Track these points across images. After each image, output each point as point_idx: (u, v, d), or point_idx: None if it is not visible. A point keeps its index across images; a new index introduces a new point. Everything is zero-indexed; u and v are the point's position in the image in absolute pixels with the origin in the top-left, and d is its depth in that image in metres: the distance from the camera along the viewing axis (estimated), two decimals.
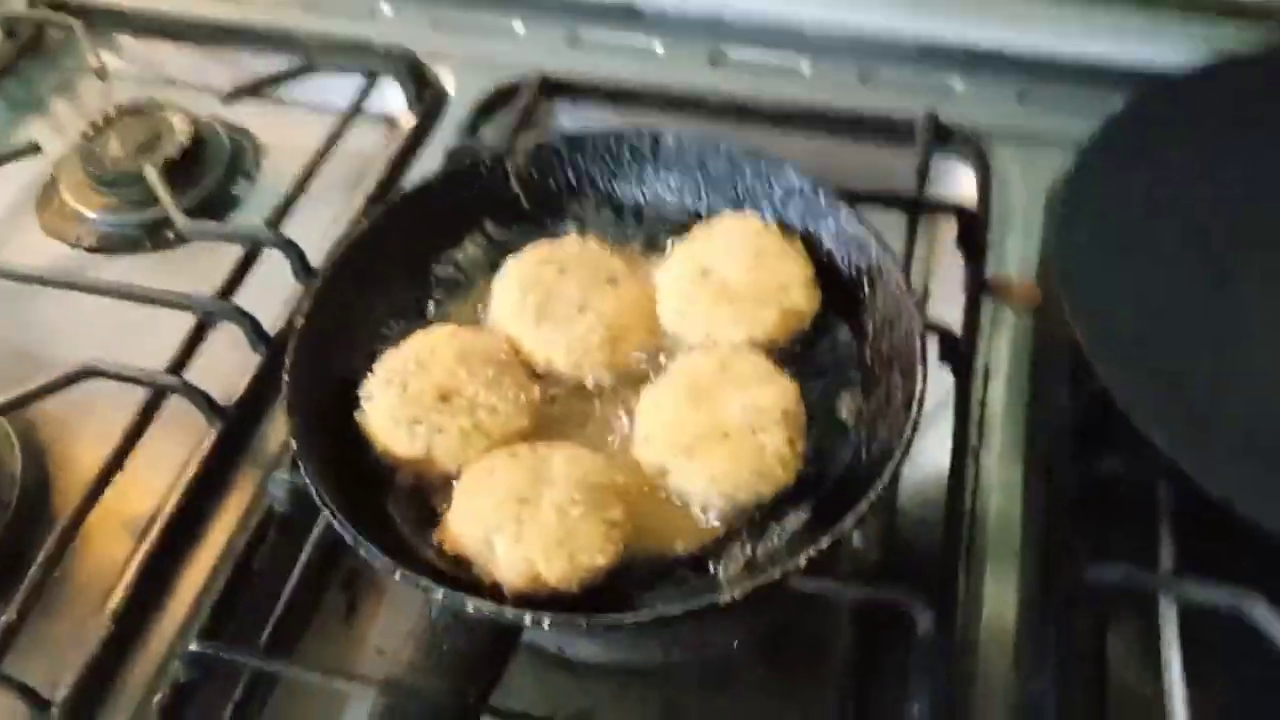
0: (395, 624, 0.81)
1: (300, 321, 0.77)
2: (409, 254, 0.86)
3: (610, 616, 0.65)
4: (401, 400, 0.74)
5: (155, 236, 1.05)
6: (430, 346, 0.77)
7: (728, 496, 0.72)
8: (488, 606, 0.64)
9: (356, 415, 0.76)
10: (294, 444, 0.70)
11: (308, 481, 0.68)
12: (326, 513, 0.67)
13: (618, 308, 0.81)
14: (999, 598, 0.77)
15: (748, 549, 0.73)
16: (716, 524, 0.73)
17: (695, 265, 0.82)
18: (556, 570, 0.66)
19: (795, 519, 0.74)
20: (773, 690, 0.77)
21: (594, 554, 0.68)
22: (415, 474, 0.75)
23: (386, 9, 1.25)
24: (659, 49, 1.20)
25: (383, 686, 0.62)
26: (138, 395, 0.88)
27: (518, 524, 0.68)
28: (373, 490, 0.75)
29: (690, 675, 0.78)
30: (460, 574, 0.70)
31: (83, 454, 0.89)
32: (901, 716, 0.73)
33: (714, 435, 0.72)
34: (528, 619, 0.63)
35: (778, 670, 0.79)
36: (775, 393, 0.75)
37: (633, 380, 0.80)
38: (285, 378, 0.73)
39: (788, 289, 0.81)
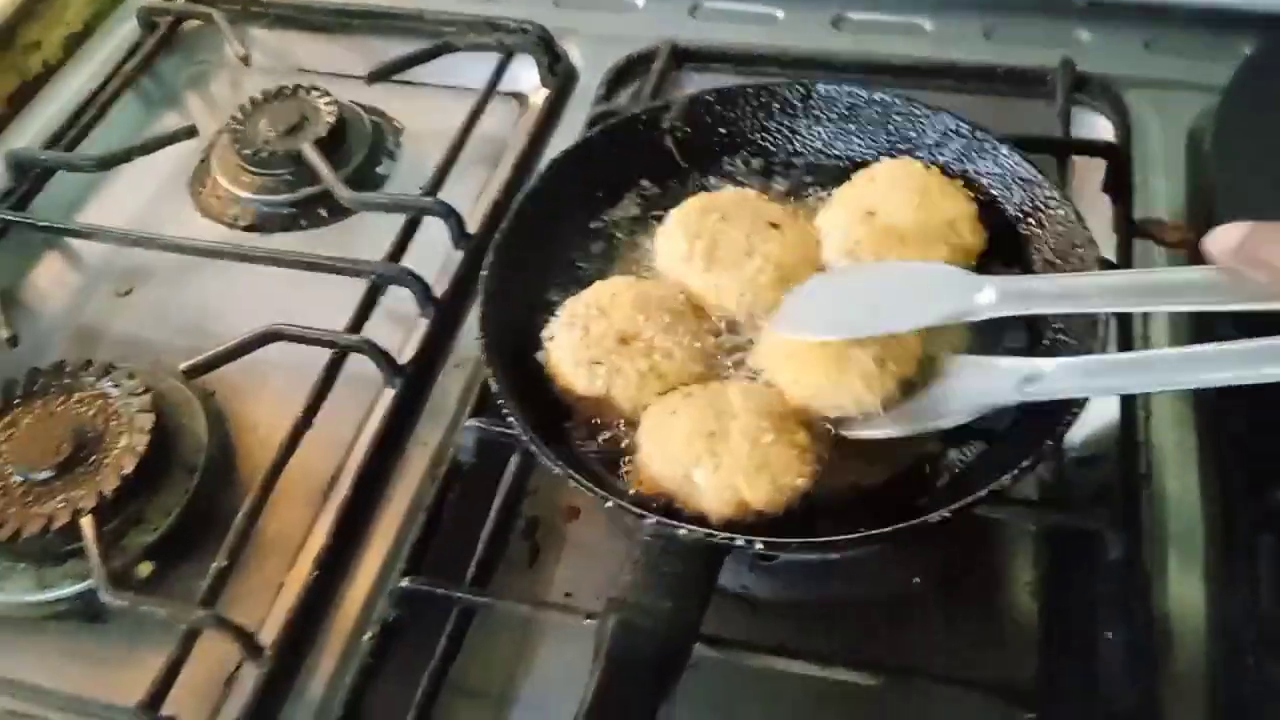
0: (579, 569, 0.83)
1: (486, 272, 0.80)
2: (573, 209, 0.88)
3: (819, 538, 0.66)
4: (583, 342, 0.77)
5: (309, 214, 1.08)
6: (610, 293, 0.80)
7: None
8: (701, 531, 0.65)
9: (539, 355, 0.78)
10: (495, 385, 0.73)
11: (517, 422, 0.71)
12: (535, 449, 0.70)
13: (783, 249, 0.82)
14: (1183, 525, 0.77)
15: (931, 483, 0.74)
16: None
17: (859, 207, 0.84)
18: (762, 494, 0.68)
19: (970, 457, 0.74)
20: (957, 620, 0.78)
21: (793, 476, 0.69)
22: (592, 413, 0.78)
23: None
24: (779, 14, 1.21)
25: (612, 604, 0.63)
26: (308, 361, 0.91)
27: (714, 456, 0.70)
28: (561, 429, 0.77)
29: (873, 612, 0.79)
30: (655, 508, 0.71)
31: (261, 417, 0.93)
32: (1094, 642, 0.74)
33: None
34: (740, 540, 0.65)
35: (959, 606, 0.79)
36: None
37: None
38: (480, 324, 0.76)
39: (955, 226, 0.81)
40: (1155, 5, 1.14)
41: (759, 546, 0.65)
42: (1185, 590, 0.74)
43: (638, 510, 0.66)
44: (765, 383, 0.77)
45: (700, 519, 0.69)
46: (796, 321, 0.77)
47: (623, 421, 0.77)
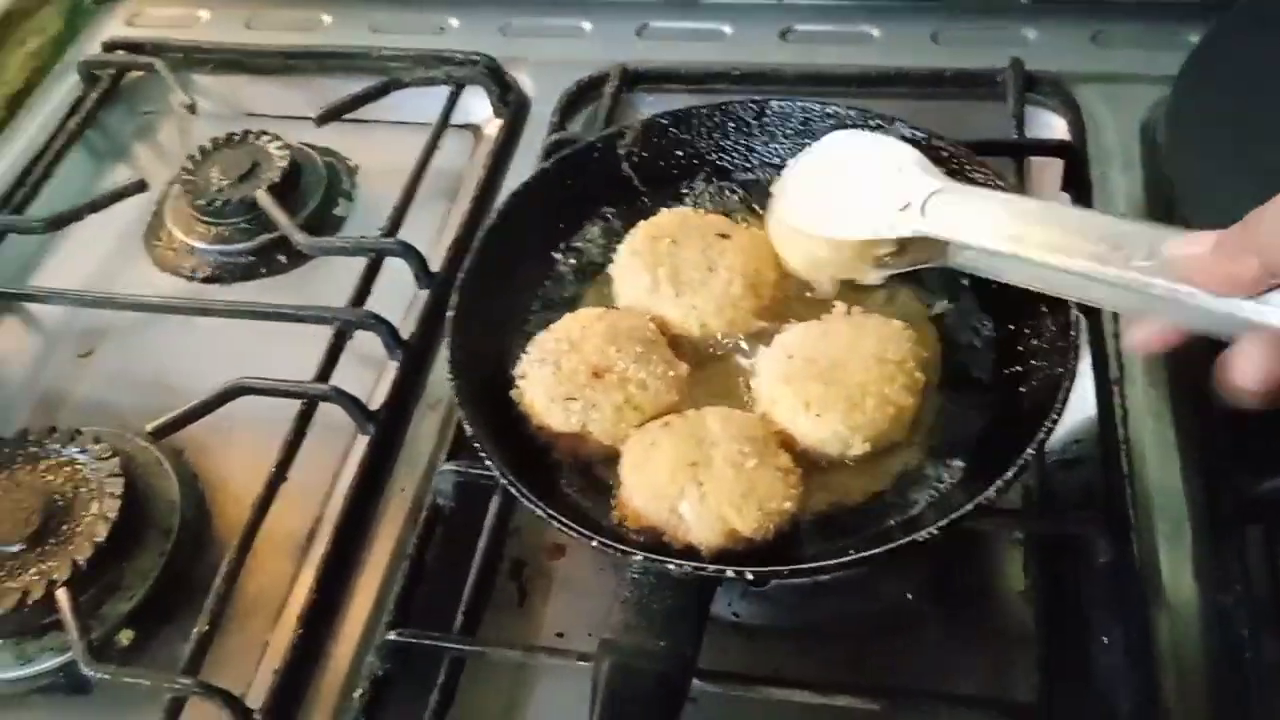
0: (569, 607, 0.82)
1: (453, 313, 0.79)
2: (535, 243, 0.88)
3: (810, 564, 0.66)
4: (555, 378, 0.76)
5: (269, 261, 1.07)
6: (580, 326, 0.79)
7: (860, 434, 0.73)
8: (689, 565, 0.65)
9: (513, 393, 0.77)
10: (469, 428, 0.72)
11: (493, 465, 0.70)
12: (515, 492, 0.69)
13: (742, 257, 0.82)
14: (1169, 522, 0.77)
15: (915, 500, 0.73)
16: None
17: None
18: (750, 521, 0.68)
19: (952, 471, 0.74)
20: (952, 635, 0.78)
21: (780, 500, 0.69)
22: (571, 449, 0.77)
23: (454, 22, 1.27)
24: (727, 30, 1.21)
25: (605, 646, 0.62)
26: (278, 413, 0.89)
27: (699, 486, 0.69)
28: (540, 467, 0.76)
29: (868, 630, 0.79)
30: (641, 542, 0.71)
31: (232, 474, 0.91)
32: (1088, 647, 0.74)
33: (831, 384, 0.73)
34: (730, 572, 0.64)
35: (953, 616, 0.79)
36: (886, 334, 0.76)
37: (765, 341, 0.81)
38: (450, 367, 0.75)
39: None
40: None
41: (750, 577, 0.65)
42: (1177, 587, 0.74)
43: (624, 548, 0.66)
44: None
45: (689, 550, 0.68)
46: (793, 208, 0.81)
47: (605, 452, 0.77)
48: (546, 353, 0.78)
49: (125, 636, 0.82)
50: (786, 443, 0.74)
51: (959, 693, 0.72)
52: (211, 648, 0.78)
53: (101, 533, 0.81)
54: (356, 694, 0.74)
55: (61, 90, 1.28)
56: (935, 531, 0.64)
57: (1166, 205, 0.95)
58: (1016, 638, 0.75)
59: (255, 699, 0.75)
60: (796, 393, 0.74)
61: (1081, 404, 0.83)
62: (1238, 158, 0.89)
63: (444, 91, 1.15)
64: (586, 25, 1.24)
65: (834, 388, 0.73)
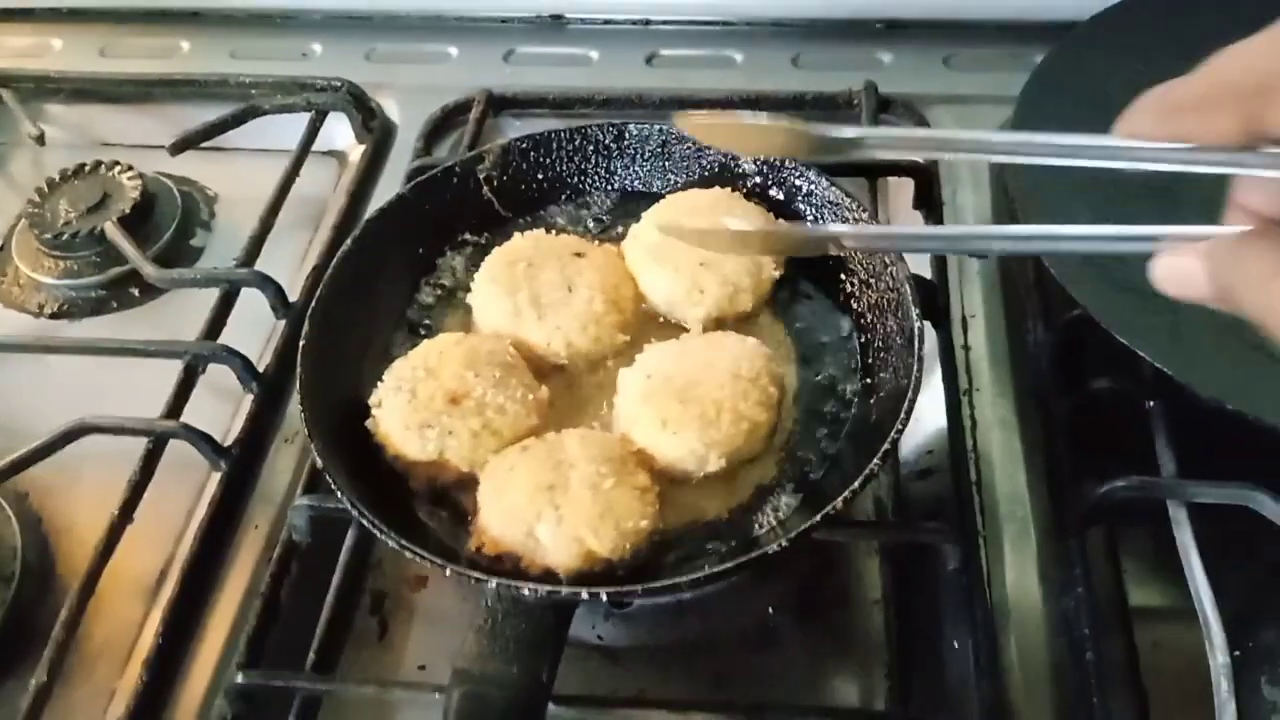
0: (432, 639, 0.80)
1: (305, 342, 0.77)
2: (395, 269, 0.87)
3: (664, 581, 0.66)
4: (412, 406, 0.75)
5: (120, 295, 1.04)
6: (437, 352, 0.78)
7: (715, 450, 0.74)
8: (544, 588, 0.64)
9: (368, 423, 0.76)
10: (319, 460, 0.70)
11: (342, 495, 0.68)
12: (365, 523, 0.67)
13: (600, 273, 0.83)
14: (1016, 528, 0.79)
15: (771, 513, 0.74)
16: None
17: (660, 218, 0.85)
18: (607, 542, 0.67)
19: (807, 484, 0.75)
20: (815, 646, 0.79)
21: (637, 519, 0.69)
22: (429, 477, 0.76)
23: (318, 48, 1.26)
24: (593, 55, 1.22)
25: (457, 675, 0.61)
26: (126, 453, 0.86)
27: (555, 509, 0.69)
28: (398, 497, 0.75)
29: (732, 646, 0.79)
30: (502, 568, 0.70)
31: (78, 517, 0.88)
32: (942, 653, 0.75)
33: (687, 402, 0.74)
34: (584, 594, 0.64)
35: (815, 628, 0.80)
36: (741, 352, 0.77)
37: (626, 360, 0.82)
38: (300, 397, 0.73)
39: None
40: (951, 22, 1.19)
41: (604, 597, 0.64)
42: (1023, 590, 0.76)
43: (477, 575, 0.65)
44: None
45: (548, 574, 0.68)
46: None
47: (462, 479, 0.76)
48: (402, 380, 0.77)
49: None
50: (646, 462, 0.74)
51: (819, 705, 0.72)
52: (54, 699, 0.75)
53: None
54: None
55: None
56: (784, 544, 0.65)
57: (1012, 221, 0.98)
58: (876, 647, 0.76)
59: None
60: (655, 411, 0.74)
61: (934, 415, 0.86)
62: (1074, 175, 0.92)
63: (306, 118, 1.13)
64: (453, 50, 1.24)
65: (690, 405, 0.74)
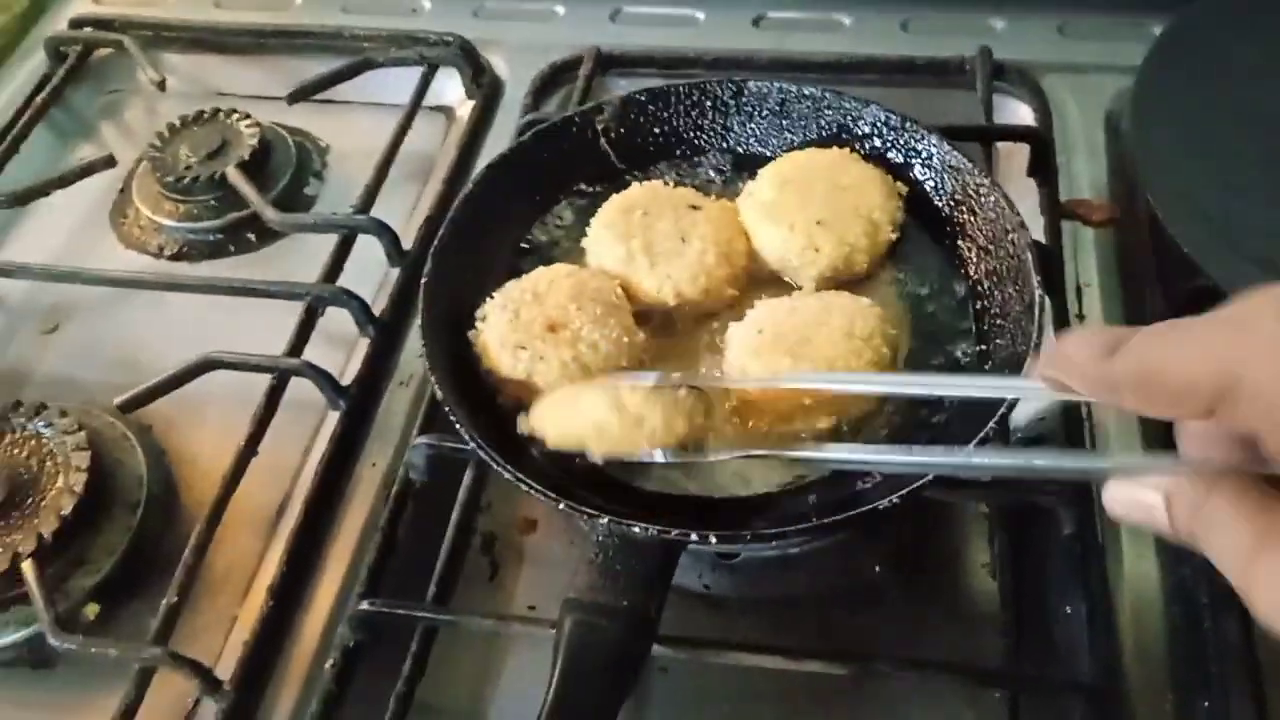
0: (540, 581, 0.82)
1: (426, 280, 0.78)
2: (512, 215, 0.88)
3: (772, 529, 0.67)
4: (512, 326, 0.77)
5: (237, 239, 1.06)
6: (548, 279, 0.79)
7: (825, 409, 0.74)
8: (653, 528, 0.65)
9: (470, 334, 0.78)
10: (438, 391, 0.72)
11: (460, 427, 0.70)
12: (483, 454, 0.69)
13: (714, 227, 0.84)
14: None
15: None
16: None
17: (779, 177, 0.86)
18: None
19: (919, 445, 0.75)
20: (921, 606, 0.79)
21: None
22: (517, 396, 0.77)
23: (426, 3, 1.27)
24: (700, 16, 1.22)
25: (568, 605, 0.63)
26: (247, 390, 0.88)
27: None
28: (514, 438, 0.76)
29: (836, 604, 0.80)
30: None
31: (200, 449, 0.90)
32: (1053, 619, 0.75)
33: (799, 359, 0.74)
34: (694, 535, 0.65)
35: (921, 591, 0.80)
36: (855, 311, 0.77)
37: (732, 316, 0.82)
38: (421, 333, 0.75)
39: (867, 194, 0.84)
40: None
41: (713, 540, 0.65)
42: (1138, 559, 0.75)
43: (589, 510, 0.66)
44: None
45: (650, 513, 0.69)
46: None
47: None
48: (509, 300, 0.79)
49: (91, 611, 0.81)
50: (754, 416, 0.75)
51: (924, 659, 0.72)
52: (180, 621, 0.77)
53: (67, 507, 0.80)
54: (328, 664, 0.74)
55: (28, 68, 1.26)
56: (896, 500, 0.65)
57: (1129, 191, 0.97)
58: (983, 608, 0.77)
59: (225, 670, 0.75)
60: (765, 366, 0.75)
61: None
62: (1200, 145, 0.91)
63: (416, 73, 1.14)
64: (560, 9, 1.24)
65: (801, 362, 0.74)
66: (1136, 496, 0.46)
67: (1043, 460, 0.55)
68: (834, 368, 0.74)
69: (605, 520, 0.66)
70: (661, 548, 0.67)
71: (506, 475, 0.68)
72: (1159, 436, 0.81)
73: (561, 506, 0.67)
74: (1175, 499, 0.44)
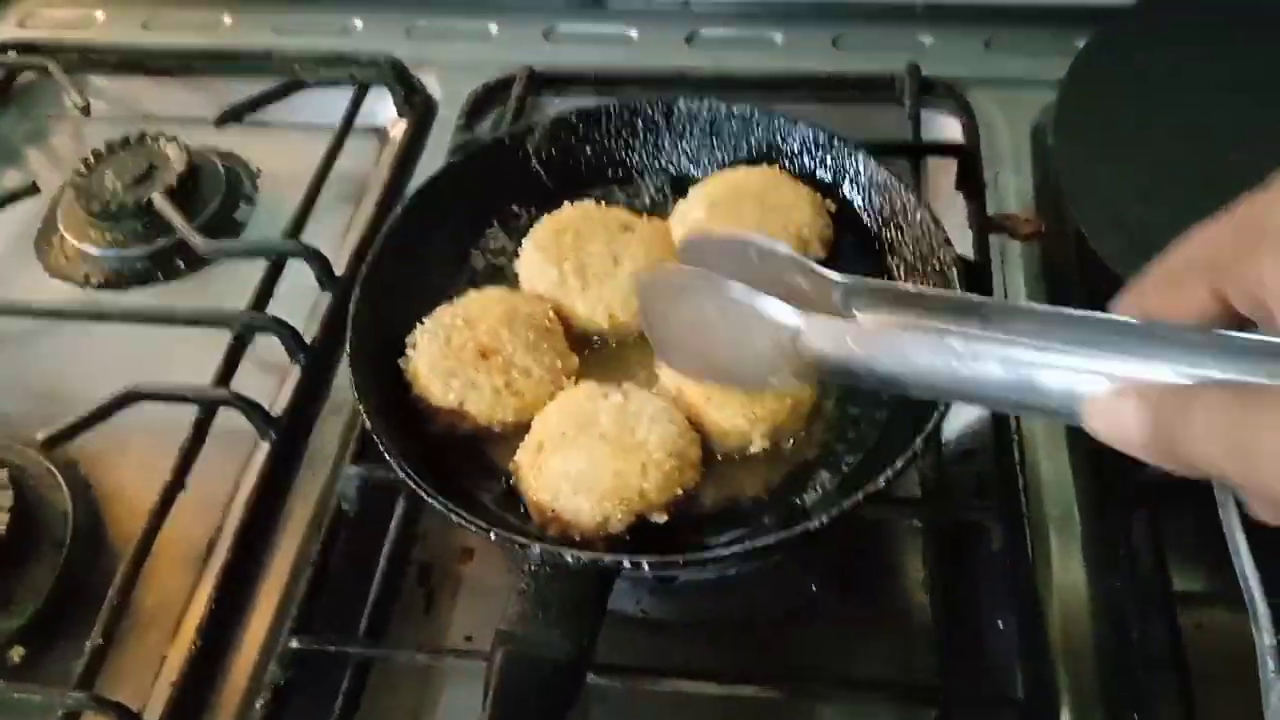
0: (478, 611, 0.82)
1: (355, 308, 0.78)
2: (444, 239, 0.87)
3: (708, 551, 0.66)
4: (443, 352, 0.76)
5: (166, 266, 1.04)
6: (480, 304, 0.79)
7: (760, 427, 0.74)
8: (586, 555, 0.65)
9: (401, 360, 0.77)
10: (369, 422, 0.71)
11: (391, 459, 0.69)
12: (413, 484, 0.68)
13: (645, 249, 0.84)
14: (1060, 510, 0.79)
15: (812, 492, 0.75)
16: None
17: (707, 198, 0.86)
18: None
19: (849, 463, 0.76)
20: (857, 623, 0.79)
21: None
22: (448, 424, 0.77)
23: (358, 23, 1.26)
24: (633, 34, 1.22)
25: (500, 637, 0.62)
26: (172, 424, 0.87)
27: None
28: (445, 467, 0.75)
29: (775, 621, 0.80)
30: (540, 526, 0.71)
31: (128, 484, 0.88)
32: (985, 633, 0.76)
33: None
34: (627, 561, 0.65)
35: (857, 608, 0.81)
36: None
37: None
38: (350, 363, 0.74)
39: (796, 212, 0.84)
40: (992, 6, 1.19)
41: (646, 567, 0.65)
42: (1068, 571, 0.76)
43: (521, 539, 0.66)
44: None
45: (586, 540, 0.69)
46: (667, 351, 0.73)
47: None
48: (440, 325, 0.78)
49: (16, 654, 0.79)
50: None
51: (865, 677, 0.73)
52: (107, 663, 0.76)
53: None
54: (258, 704, 0.73)
55: None
56: (826, 520, 0.65)
57: (1054, 203, 0.98)
58: (918, 625, 0.77)
59: (153, 713, 0.73)
60: (699, 388, 0.74)
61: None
62: (1123, 157, 0.92)
63: (348, 94, 1.13)
64: (493, 28, 1.24)
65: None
66: (1117, 408, 0.45)
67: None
68: None
69: (537, 549, 0.66)
70: (596, 575, 0.67)
71: (436, 505, 0.68)
72: (1084, 444, 0.82)
73: (492, 536, 0.67)
74: (1159, 407, 0.43)
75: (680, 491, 0.71)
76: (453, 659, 0.75)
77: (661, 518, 0.70)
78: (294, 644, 0.73)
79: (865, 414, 0.77)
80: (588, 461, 0.69)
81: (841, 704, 0.73)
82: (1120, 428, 0.45)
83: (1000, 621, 0.74)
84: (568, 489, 0.69)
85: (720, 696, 0.71)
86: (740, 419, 0.73)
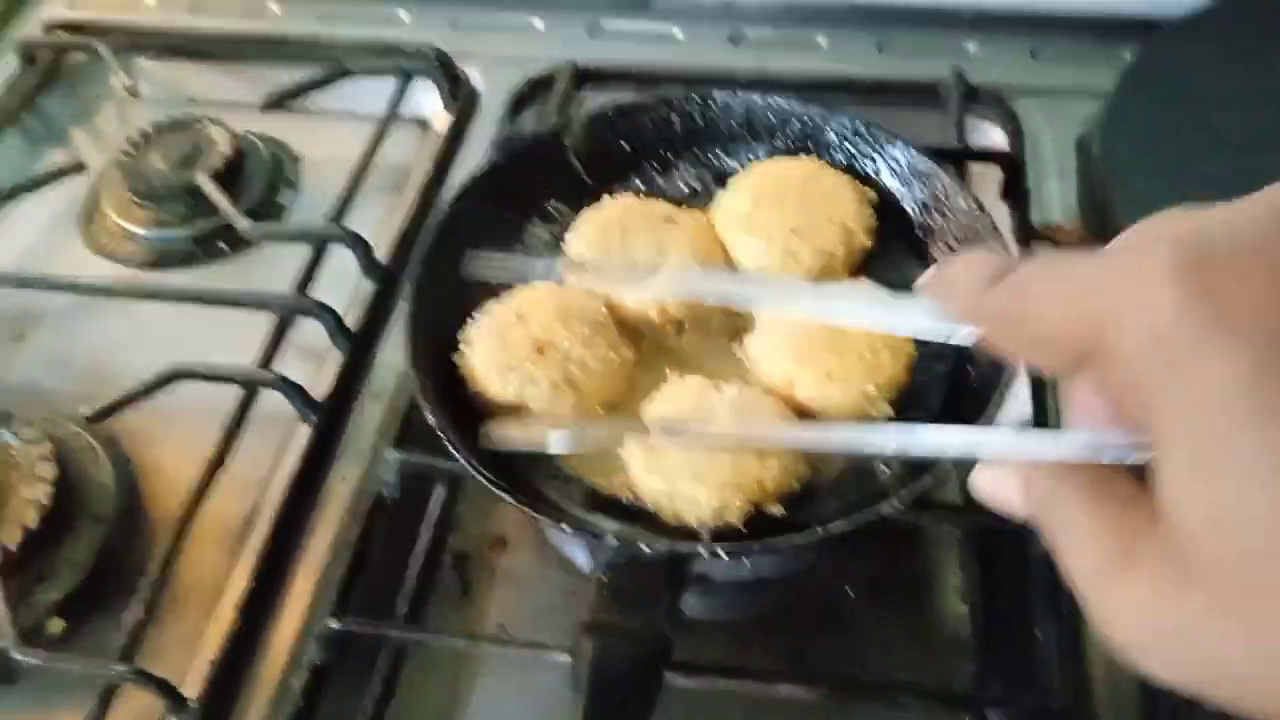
0: (511, 600, 0.82)
1: (405, 299, 0.78)
2: (489, 235, 0.87)
3: (783, 539, 0.66)
4: (498, 348, 0.76)
5: (209, 248, 1.05)
6: (532, 300, 0.79)
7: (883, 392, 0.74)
8: (661, 544, 0.65)
9: (456, 357, 0.77)
10: (430, 416, 0.71)
11: (444, 437, 0.69)
12: (471, 470, 0.68)
13: (691, 239, 0.83)
14: None
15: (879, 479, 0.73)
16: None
17: (749, 193, 0.85)
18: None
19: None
20: (891, 633, 0.79)
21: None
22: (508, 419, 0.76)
23: (404, 14, 1.26)
24: (678, 34, 1.22)
25: (585, 628, 0.63)
26: (217, 401, 0.88)
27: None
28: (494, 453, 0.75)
29: (809, 623, 0.80)
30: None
31: (168, 461, 0.89)
32: (1023, 643, 0.75)
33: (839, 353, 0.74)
34: (701, 550, 0.65)
35: (892, 613, 0.80)
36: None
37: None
38: (406, 342, 0.75)
39: (840, 202, 0.84)
40: (1039, 16, 1.18)
41: (722, 554, 0.64)
42: None
43: (595, 529, 0.66)
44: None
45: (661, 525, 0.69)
46: None
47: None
48: (494, 321, 0.78)
49: (55, 626, 0.79)
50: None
51: (908, 682, 0.72)
52: (147, 637, 0.76)
53: (31, 519, 0.79)
54: (296, 683, 0.73)
55: None
56: (898, 506, 0.65)
57: (1100, 214, 0.98)
58: (954, 632, 0.77)
59: (191, 687, 0.74)
60: (814, 367, 0.74)
61: (1021, 403, 0.85)
62: (1168, 170, 0.92)
63: (392, 83, 1.14)
64: (538, 23, 1.24)
65: (845, 354, 0.74)
66: (1000, 481, 0.42)
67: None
68: (877, 348, 0.73)
69: (611, 538, 0.66)
70: (670, 562, 0.67)
71: (509, 501, 0.68)
72: None
73: (565, 528, 0.67)
74: (1031, 483, 0.39)
75: (796, 485, 0.70)
76: (489, 645, 0.75)
77: (777, 510, 0.69)
78: (332, 625, 0.73)
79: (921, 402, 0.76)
80: (707, 450, 0.69)
81: (875, 708, 0.72)
82: (1005, 504, 0.43)
83: (1039, 632, 0.74)
84: (687, 475, 0.68)
85: (753, 696, 0.71)
86: (869, 387, 0.73)
